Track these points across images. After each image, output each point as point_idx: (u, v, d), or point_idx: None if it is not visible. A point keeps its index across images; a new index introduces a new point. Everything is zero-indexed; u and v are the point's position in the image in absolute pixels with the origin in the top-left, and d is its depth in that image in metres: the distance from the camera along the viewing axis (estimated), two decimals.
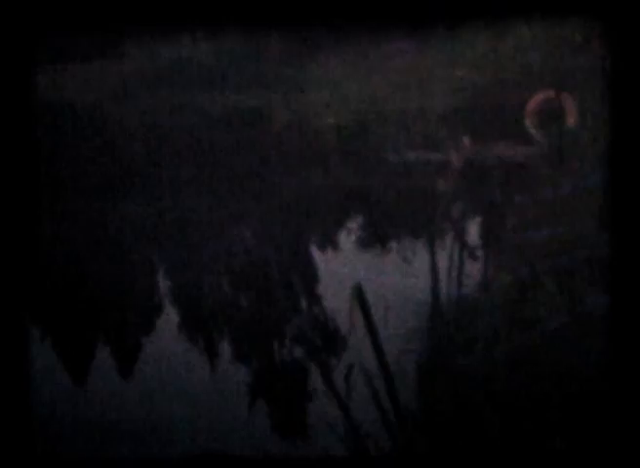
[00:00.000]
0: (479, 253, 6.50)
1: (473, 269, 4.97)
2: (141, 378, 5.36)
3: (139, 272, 8.41)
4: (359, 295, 3.38)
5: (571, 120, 10.82)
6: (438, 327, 3.51)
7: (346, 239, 9.46)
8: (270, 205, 11.64)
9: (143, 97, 15.50)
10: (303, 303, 7.06)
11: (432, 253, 3.68)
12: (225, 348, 5.96)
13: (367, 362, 3.59)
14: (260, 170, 13.13)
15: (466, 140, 12.48)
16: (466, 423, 3.53)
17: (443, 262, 3.75)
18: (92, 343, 6.14)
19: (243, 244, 9.64)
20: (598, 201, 6.00)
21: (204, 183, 12.77)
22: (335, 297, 6.47)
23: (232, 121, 14.73)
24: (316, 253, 8.83)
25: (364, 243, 9.30)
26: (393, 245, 9.00)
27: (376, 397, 3.52)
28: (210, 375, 5.38)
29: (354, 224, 10.53)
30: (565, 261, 4.80)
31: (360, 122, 13.98)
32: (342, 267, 7.80)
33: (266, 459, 3.61)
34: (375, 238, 9.59)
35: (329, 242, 9.45)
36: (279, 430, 4.70)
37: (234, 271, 8.33)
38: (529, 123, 11.53)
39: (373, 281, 6.55)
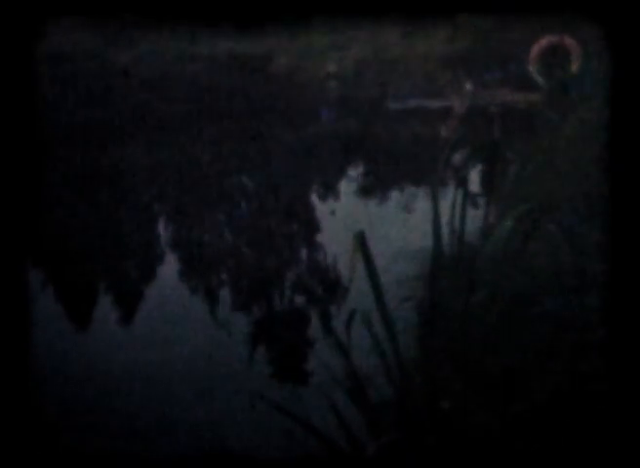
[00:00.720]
0: (481, 200, 6.47)
1: (475, 216, 4.94)
2: (143, 326, 5.38)
3: (139, 220, 8.40)
4: (361, 243, 3.35)
5: (575, 66, 10.71)
6: (439, 274, 3.49)
7: (347, 187, 9.42)
8: (271, 153, 11.59)
9: (144, 44, 15.34)
10: (304, 252, 7.05)
11: (434, 201, 3.63)
12: (226, 296, 5.97)
13: (368, 309, 3.59)
14: (260, 118, 13.05)
15: (469, 86, 12.37)
16: (466, 369, 3.53)
17: (444, 210, 3.71)
18: (94, 291, 6.15)
19: (244, 192, 9.62)
20: (600, 147, 5.95)
21: (205, 132, 12.70)
22: (335, 246, 6.47)
23: (233, 67, 14.60)
24: (317, 202, 8.81)
25: (365, 191, 9.27)
26: (394, 193, 8.98)
27: (376, 343, 3.52)
28: (210, 323, 5.39)
29: (355, 172, 10.49)
30: (566, 210, 4.78)
31: (361, 69, 13.84)
32: (343, 216, 7.78)
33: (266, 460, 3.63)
34: (376, 186, 9.56)
35: (330, 190, 9.41)
36: (279, 377, 4.71)
37: (235, 219, 8.32)
38: (532, 68, 11.41)
39: (374, 229, 6.54)
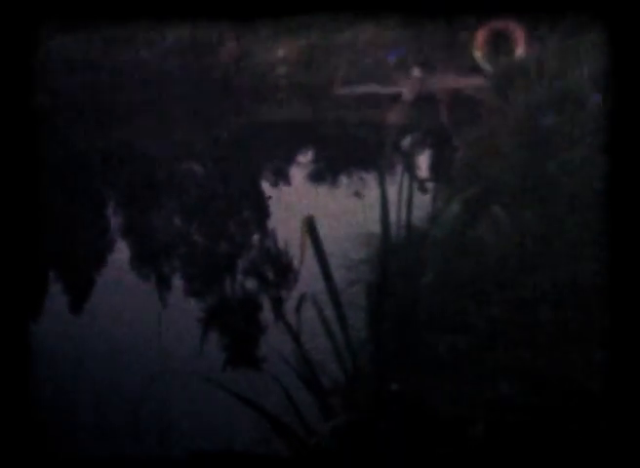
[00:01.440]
0: (429, 185, 6.56)
1: (423, 201, 5.00)
2: (94, 313, 5.36)
3: (89, 207, 8.34)
4: (310, 227, 3.39)
5: (520, 50, 10.84)
6: (388, 257, 3.54)
7: (297, 173, 9.45)
8: (221, 138, 11.56)
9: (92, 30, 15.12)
10: (255, 237, 7.07)
11: (382, 186, 3.68)
12: (177, 283, 5.97)
13: (318, 293, 3.63)
14: (209, 103, 12.98)
15: (417, 72, 12.44)
16: (416, 351, 3.60)
17: (393, 195, 3.76)
18: (44, 279, 6.10)
19: (194, 178, 9.59)
20: (550, 133, 6.07)
21: (155, 118, 12.61)
22: (286, 231, 6.50)
23: (183, 53, 14.47)
24: (267, 188, 8.82)
25: (315, 177, 9.31)
26: (344, 178, 9.03)
27: (327, 327, 3.57)
28: (162, 310, 5.38)
29: (305, 158, 10.52)
30: (512, 190, 4.87)
31: (310, 55, 13.84)
32: (294, 201, 7.81)
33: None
34: (326, 171, 9.60)
35: (280, 176, 9.44)
36: (232, 363, 4.74)
37: (185, 205, 8.30)
38: (478, 54, 11.52)
39: (324, 214, 6.58)
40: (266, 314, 5.27)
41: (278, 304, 5.35)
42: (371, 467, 3.22)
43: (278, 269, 6.15)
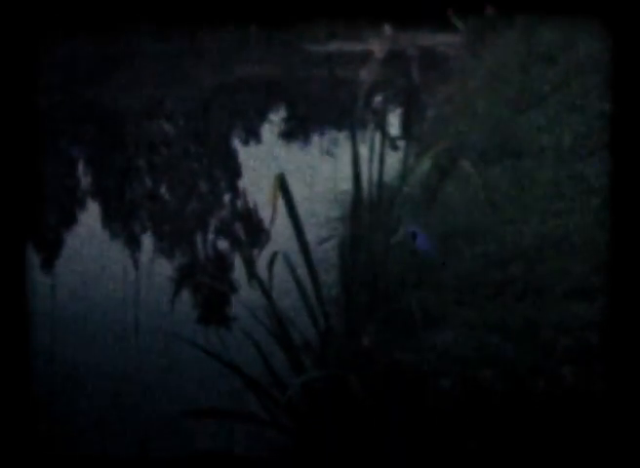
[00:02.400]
0: (400, 142, 6.55)
1: (394, 158, 5.00)
2: (63, 273, 5.33)
3: (58, 166, 8.26)
4: (282, 185, 3.38)
5: (491, 9, 10.79)
6: (359, 215, 3.55)
7: (269, 132, 9.40)
8: (191, 97, 11.46)
9: None
10: (227, 197, 7.05)
11: (353, 144, 3.67)
12: (148, 242, 5.94)
13: (290, 251, 3.64)
14: (180, 61, 12.85)
15: (388, 30, 12.37)
16: (386, 307, 3.62)
17: (364, 152, 3.76)
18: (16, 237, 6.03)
19: (164, 137, 9.51)
20: (515, 85, 6.07)
21: (123, 76, 12.46)
22: (258, 191, 6.48)
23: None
24: (239, 147, 8.78)
25: (286, 135, 9.27)
26: (315, 136, 9.00)
27: (298, 284, 3.58)
28: (133, 270, 5.37)
29: (276, 117, 10.46)
30: (479, 144, 4.89)
31: (282, 12, 13.69)
32: (266, 160, 7.79)
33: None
34: (298, 130, 9.56)
35: (251, 135, 9.39)
36: (203, 321, 4.75)
37: (155, 165, 8.24)
38: (450, 11, 11.47)
39: (296, 172, 6.57)
40: (238, 273, 5.27)
41: (250, 263, 5.35)
42: (342, 422, 3.26)
43: (249, 228, 6.14)
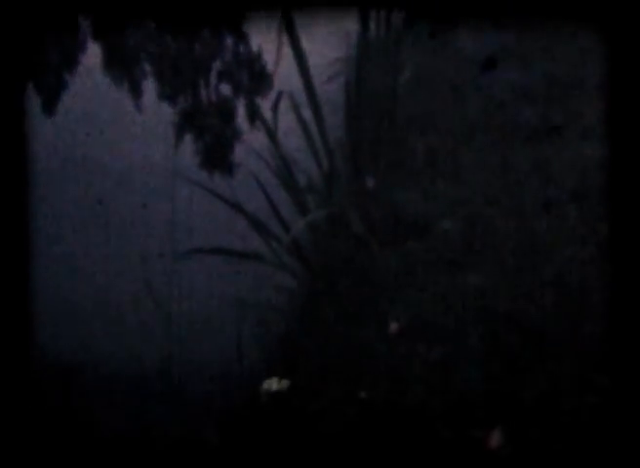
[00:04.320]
0: None
1: None
2: (66, 116, 5.28)
3: (58, 7, 8.03)
4: (288, 25, 3.31)
5: None
6: (366, 55, 3.49)
7: None
8: None
9: None
10: (229, 40, 6.89)
11: None
12: (150, 86, 5.85)
13: (295, 91, 3.59)
14: None
15: None
16: (391, 149, 3.62)
17: None
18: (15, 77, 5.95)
19: None
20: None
21: None
22: (261, 35, 6.33)
23: None
24: None
25: None
26: None
27: (303, 126, 3.55)
28: (135, 114, 5.32)
29: None
30: None
31: None
32: (272, 5, 7.57)
33: None
34: None
35: None
36: (208, 166, 4.74)
37: (158, 6, 8.03)
38: None
39: (301, 10, 6.40)
40: (242, 119, 5.22)
41: (254, 108, 5.29)
42: (344, 259, 3.30)
43: (253, 74, 6.04)
